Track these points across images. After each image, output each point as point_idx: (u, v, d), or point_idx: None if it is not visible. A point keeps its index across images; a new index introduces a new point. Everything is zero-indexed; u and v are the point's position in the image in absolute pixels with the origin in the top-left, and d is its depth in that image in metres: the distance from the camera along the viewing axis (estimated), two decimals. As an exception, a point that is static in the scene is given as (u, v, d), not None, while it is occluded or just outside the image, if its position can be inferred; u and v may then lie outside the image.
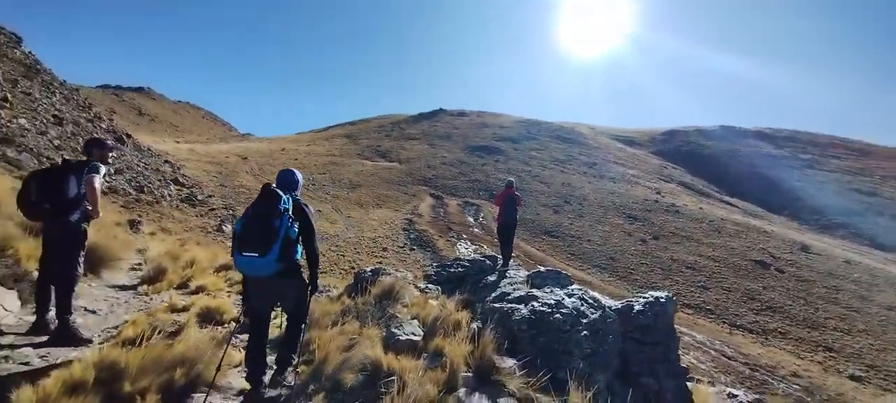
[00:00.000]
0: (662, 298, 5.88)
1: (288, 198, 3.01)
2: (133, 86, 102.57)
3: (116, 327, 4.29)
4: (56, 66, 29.07)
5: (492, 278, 7.18)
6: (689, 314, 20.83)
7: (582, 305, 5.12)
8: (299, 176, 3.45)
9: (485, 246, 28.32)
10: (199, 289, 6.06)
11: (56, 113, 23.10)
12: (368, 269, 6.87)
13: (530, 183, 43.57)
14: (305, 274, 3.28)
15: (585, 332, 4.68)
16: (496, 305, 5.19)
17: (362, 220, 31.36)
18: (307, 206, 3.18)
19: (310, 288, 3.25)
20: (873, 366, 17.09)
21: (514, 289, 6.08)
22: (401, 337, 4.32)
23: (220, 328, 4.44)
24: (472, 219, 34.41)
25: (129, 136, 31.57)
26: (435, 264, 9.53)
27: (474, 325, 4.62)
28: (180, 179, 29.53)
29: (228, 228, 23.45)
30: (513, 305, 5.07)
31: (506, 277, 7.11)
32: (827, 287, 24.58)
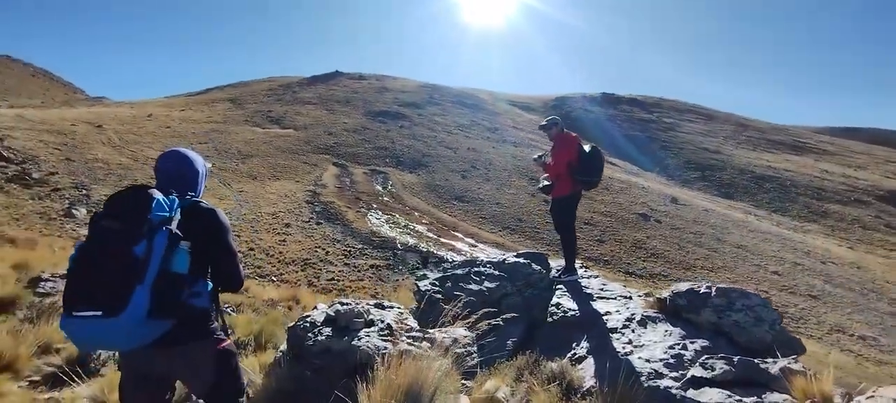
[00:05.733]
0: None
1: (169, 202, 1.65)
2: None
3: None
4: None
5: (571, 305, 3.92)
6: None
7: None
8: (200, 163, 1.96)
9: (397, 215, 27.44)
10: None
11: None
12: (319, 313, 3.22)
13: (437, 148, 43.28)
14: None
15: None
16: None
17: (258, 194, 28.11)
18: (217, 211, 1.81)
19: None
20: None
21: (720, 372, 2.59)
22: None
23: None
24: (380, 188, 33.08)
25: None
26: (430, 275, 4.91)
27: None
28: (4, 154, 23.17)
29: (82, 212, 19.09)
30: None
31: (590, 297, 3.96)
32: (693, 232, 28.62)
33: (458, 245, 23.49)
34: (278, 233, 22.01)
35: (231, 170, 32.48)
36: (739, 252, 26.32)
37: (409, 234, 24.21)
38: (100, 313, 1.47)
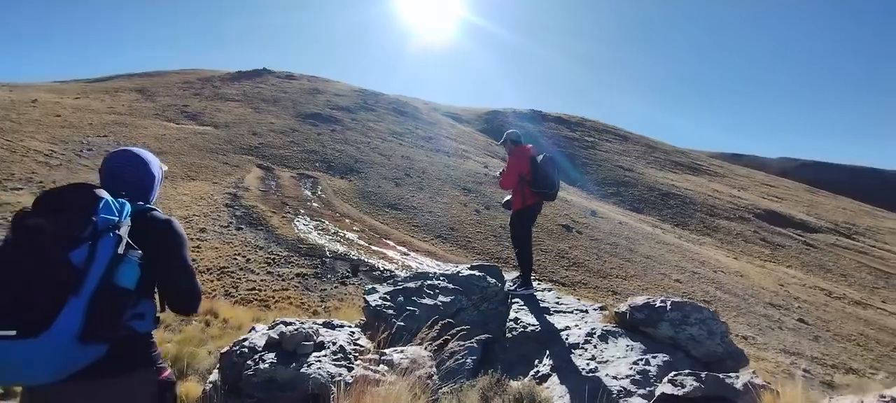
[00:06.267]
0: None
1: (119, 206, 1.38)
2: None
3: None
4: None
5: (530, 320, 3.76)
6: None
7: None
8: (156, 167, 1.75)
9: (326, 221, 26.42)
10: None
11: None
12: (259, 336, 2.93)
13: (370, 155, 42.56)
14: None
15: None
16: None
17: (168, 195, 25.54)
18: (173, 221, 1.56)
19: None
20: (642, 302, 22.29)
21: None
22: None
23: None
24: (309, 193, 31.71)
25: None
26: (380, 289, 4.32)
27: None
28: None
29: (-63, 210, 16.02)
30: None
31: (546, 311, 3.82)
32: (609, 243, 30.93)
33: (390, 253, 23.16)
34: (191, 239, 20.10)
35: (136, 168, 29.26)
36: (648, 262, 28.91)
37: (338, 242, 23.40)
38: (13, 333, 1.15)
